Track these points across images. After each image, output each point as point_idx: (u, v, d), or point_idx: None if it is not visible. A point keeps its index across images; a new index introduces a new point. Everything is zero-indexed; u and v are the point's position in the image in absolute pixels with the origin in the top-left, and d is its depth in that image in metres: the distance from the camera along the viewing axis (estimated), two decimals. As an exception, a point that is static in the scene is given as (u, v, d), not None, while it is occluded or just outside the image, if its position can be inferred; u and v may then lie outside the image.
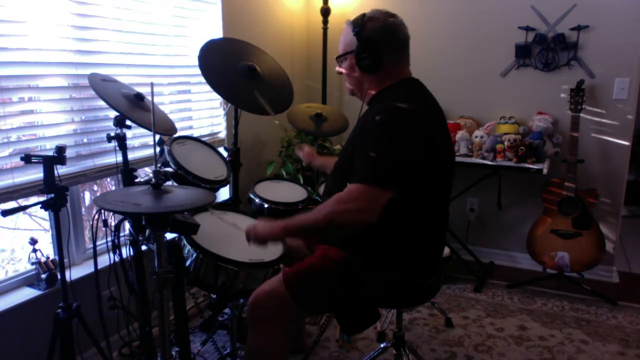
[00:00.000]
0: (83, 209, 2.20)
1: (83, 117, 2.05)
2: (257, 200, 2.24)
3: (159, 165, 1.86)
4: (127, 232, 1.80)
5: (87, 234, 2.22)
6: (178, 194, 1.36)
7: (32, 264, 1.94)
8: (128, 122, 1.75)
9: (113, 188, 2.45)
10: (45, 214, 1.96)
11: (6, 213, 1.50)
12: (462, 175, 3.07)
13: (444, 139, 1.57)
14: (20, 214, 2.03)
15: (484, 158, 2.95)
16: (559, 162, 2.95)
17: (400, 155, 1.41)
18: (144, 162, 2.31)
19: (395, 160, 1.40)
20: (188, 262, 1.65)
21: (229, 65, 2.17)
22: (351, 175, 1.45)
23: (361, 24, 1.53)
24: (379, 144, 1.42)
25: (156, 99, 2.40)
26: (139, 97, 1.81)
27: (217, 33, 2.73)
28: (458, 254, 3.12)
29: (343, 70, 1.65)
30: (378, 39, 1.51)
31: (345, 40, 1.59)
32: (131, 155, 2.06)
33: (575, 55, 2.93)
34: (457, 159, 2.96)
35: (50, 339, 1.61)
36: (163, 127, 1.90)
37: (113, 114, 1.72)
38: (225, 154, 2.24)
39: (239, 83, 2.15)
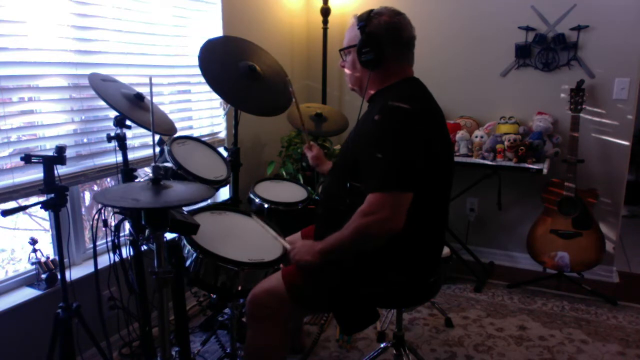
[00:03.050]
0: (83, 209, 2.20)
1: (83, 117, 2.05)
2: (257, 200, 2.24)
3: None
4: (127, 232, 1.80)
5: (87, 234, 2.22)
6: (177, 189, 1.36)
7: (32, 264, 1.94)
8: (128, 122, 1.75)
9: (113, 188, 2.45)
10: (45, 214, 1.97)
11: (6, 213, 1.50)
12: (462, 175, 3.08)
13: (443, 139, 1.57)
14: (20, 214, 2.04)
15: (484, 158, 2.95)
16: (559, 162, 2.95)
17: (405, 154, 1.41)
18: (144, 162, 2.31)
19: (403, 160, 1.40)
20: (188, 262, 1.65)
21: (229, 65, 2.17)
22: (353, 177, 1.45)
23: (366, 19, 1.53)
24: (380, 145, 1.41)
25: (156, 99, 2.40)
26: (139, 97, 1.81)
27: (217, 33, 2.73)
28: (458, 254, 3.12)
29: (346, 68, 1.65)
30: (382, 35, 1.51)
31: (350, 34, 1.59)
32: (131, 155, 2.06)
33: (575, 55, 2.93)
34: (457, 159, 2.96)
35: (50, 339, 1.62)
36: (163, 127, 1.90)
37: (113, 114, 1.73)
38: (225, 154, 2.24)
39: (239, 84, 2.15)
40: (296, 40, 3.54)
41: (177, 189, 1.36)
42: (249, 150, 3.06)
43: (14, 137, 1.80)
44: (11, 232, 2.27)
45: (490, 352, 2.31)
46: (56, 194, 1.55)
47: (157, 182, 1.34)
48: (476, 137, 3.02)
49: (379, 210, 1.38)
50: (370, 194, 1.40)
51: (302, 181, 2.81)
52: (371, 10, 1.55)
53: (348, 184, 1.52)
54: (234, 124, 2.44)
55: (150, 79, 1.43)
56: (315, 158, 2.10)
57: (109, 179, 2.36)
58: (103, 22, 2.08)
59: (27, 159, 1.51)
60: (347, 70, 1.65)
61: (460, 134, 3.04)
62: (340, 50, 1.66)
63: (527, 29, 2.99)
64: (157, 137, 1.95)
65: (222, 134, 2.92)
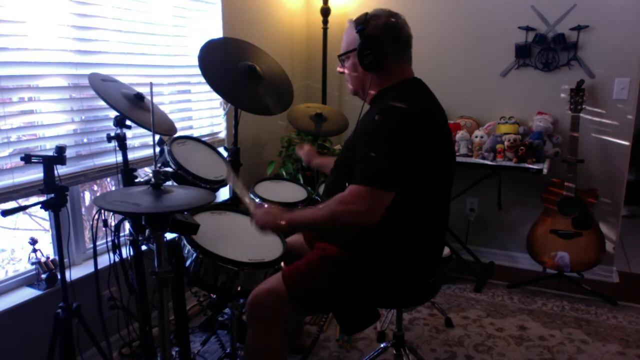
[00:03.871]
0: (83, 209, 2.20)
1: (83, 117, 2.05)
2: (257, 200, 2.24)
3: (158, 165, 1.86)
4: (127, 232, 1.80)
5: (87, 234, 2.22)
6: (178, 194, 1.36)
7: (32, 264, 1.94)
8: (128, 122, 1.75)
9: (113, 188, 2.45)
10: (45, 214, 1.97)
11: (6, 213, 1.50)
12: (462, 175, 3.07)
13: (444, 139, 1.57)
14: (20, 214, 2.03)
15: (484, 158, 2.95)
16: (559, 162, 2.95)
17: (400, 155, 1.41)
18: (144, 162, 2.31)
19: (396, 161, 1.40)
20: (188, 262, 1.65)
21: (229, 65, 2.17)
22: (352, 176, 1.45)
23: (364, 22, 1.53)
24: (377, 144, 1.42)
25: (156, 99, 2.40)
26: (139, 97, 1.81)
27: (217, 33, 2.73)
28: (458, 254, 3.12)
29: (345, 70, 1.64)
30: (381, 37, 1.52)
31: (348, 39, 1.59)
32: (131, 155, 2.06)
33: (575, 55, 2.93)
34: (457, 159, 2.96)
35: (50, 339, 1.62)
36: (163, 127, 1.90)
37: (113, 114, 1.73)
38: (225, 154, 2.24)
39: (239, 83, 2.15)
40: (296, 40, 3.54)
41: (178, 194, 1.36)
42: (249, 150, 3.06)
43: (14, 137, 1.80)
44: (11, 232, 2.27)
45: (490, 352, 2.32)
46: (56, 194, 1.55)
47: (158, 186, 1.34)
48: (476, 137, 3.02)
49: (355, 203, 1.38)
50: (351, 184, 1.41)
51: (302, 181, 2.81)
52: (366, 14, 1.55)
53: (347, 184, 1.52)
54: (234, 124, 2.44)
55: (151, 85, 1.43)
56: (307, 154, 2.13)
57: (109, 179, 2.36)
58: (103, 22, 2.08)
59: (27, 159, 1.51)
60: (347, 75, 1.65)
61: (460, 134, 3.04)
62: (339, 56, 1.65)
63: (527, 29, 2.99)
64: (157, 137, 1.96)
65: (222, 134, 2.92)
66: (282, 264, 1.70)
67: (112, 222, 1.81)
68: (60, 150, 1.55)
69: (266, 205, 1.61)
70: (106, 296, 1.90)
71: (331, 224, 1.44)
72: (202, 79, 2.08)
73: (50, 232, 2.06)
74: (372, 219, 1.39)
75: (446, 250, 2.92)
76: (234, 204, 2.54)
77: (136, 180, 1.81)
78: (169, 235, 1.53)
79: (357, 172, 1.43)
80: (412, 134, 1.43)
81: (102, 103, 1.84)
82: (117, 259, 1.79)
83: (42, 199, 1.56)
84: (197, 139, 2.14)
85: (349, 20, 1.59)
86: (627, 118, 2.89)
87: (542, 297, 2.86)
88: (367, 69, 1.55)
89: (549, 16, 2.94)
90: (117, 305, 1.89)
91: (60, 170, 1.60)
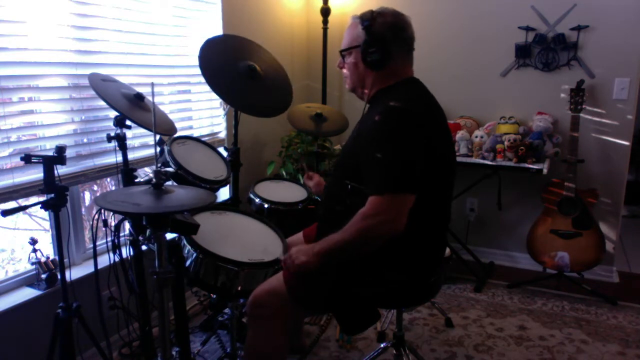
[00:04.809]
0: (83, 209, 2.20)
1: (83, 117, 2.05)
2: (257, 200, 2.24)
3: (159, 165, 1.86)
4: (127, 232, 1.80)
5: (87, 234, 2.22)
6: (178, 194, 1.36)
7: (32, 264, 1.94)
8: (128, 122, 1.75)
9: (113, 188, 2.45)
10: (45, 214, 1.97)
11: (6, 213, 1.50)
12: (462, 175, 3.07)
13: (444, 139, 1.56)
14: (20, 214, 2.03)
15: (484, 158, 2.95)
16: (559, 162, 2.95)
17: (405, 155, 1.40)
18: (144, 162, 2.31)
19: (403, 161, 1.40)
20: (188, 262, 1.65)
21: (229, 65, 2.17)
22: (367, 185, 1.43)
23: (370, 19, 1.51)
24: (381, 145, 1.41)
25: (156, 99, 2.40)
26: (139, 97, 1.81)
27: (217, 33, 2.72)
28: (458, 254, 3.12)
29: (345, 69, 1.63)
30: (387, 35, 1.50)
31: (352, 35, 1.56)
32: (131, 155, 2.06)
33: (575, 55, 2.93)
34: (457, 159, 2.95)
35: (50, 339, 1.62)
36: (163, 127, 1.90)
37: (113, 114, 1.73)
38: (225, 154, 2.24)
39: (239, 84, 2.15)
40: (296, 40, 3.54)
41: (179, 194, 1.36)
42: (249, 150, 3.06)
43: (14, 137, 1.80)
44: (11, 232, 2.27)
45: (490, 352, 2.31)
46: (56, 194, 1.55)
47: (159, 186, 1.34)
48: (476, 137, 3.02)
49: (381, 213, 1.37)
50: (371, 196, 1.40)
51: (302, 181, 2.81)
52: (372, 11, 1.54)
53: (349, 185, 1.52)
54: (234, 124, 2.44)
55: (152, 85, 1.43)
56: (317, 185, 2.07)
57: (109, 179, 2.36)
58: (103, 22, 2.08)
59: (27, 159, 1.51)
60: (346, 72, 1.64)
61: (460, 134, 3.04)
62: (341, 51, 1.63)
63: (527, 29, 2.99)
64: (157, 137, 1.96)
65: (222, 134, 2.92)
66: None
67: (112, 222, 1.81)
68: (60, 150, 1.55)
69: (292, 250, 1.56)
70: (106, 296, 1.90)
71: (361, 241, 1.40)
72: (202, 79, 2.08)
73: (50, 232, 2.06)
74: (398, 226, 1.37)
75: (446, 250, 2.91)
76: (234, 204, 2.54)
77: (136, 180, 1.81)
78: (169, 235, 1.53)
79: (372, 181, 1.41)
80: (412, 134, 1.42)
81: (102, 103, 1.84)
82: (117, 259, 1.79)
83: (42, 199, 1.56)
84: (197, 139, 2.14)
85: (353, 17, 1.57)
86: (627, 118, 2.89)
87: (542, 297, 2.86)
88: (370, 66, 1.54)
89: (549, 16, 2.94)
90: (117, 305, 1.89)
91: (60, 170, 1.60)
